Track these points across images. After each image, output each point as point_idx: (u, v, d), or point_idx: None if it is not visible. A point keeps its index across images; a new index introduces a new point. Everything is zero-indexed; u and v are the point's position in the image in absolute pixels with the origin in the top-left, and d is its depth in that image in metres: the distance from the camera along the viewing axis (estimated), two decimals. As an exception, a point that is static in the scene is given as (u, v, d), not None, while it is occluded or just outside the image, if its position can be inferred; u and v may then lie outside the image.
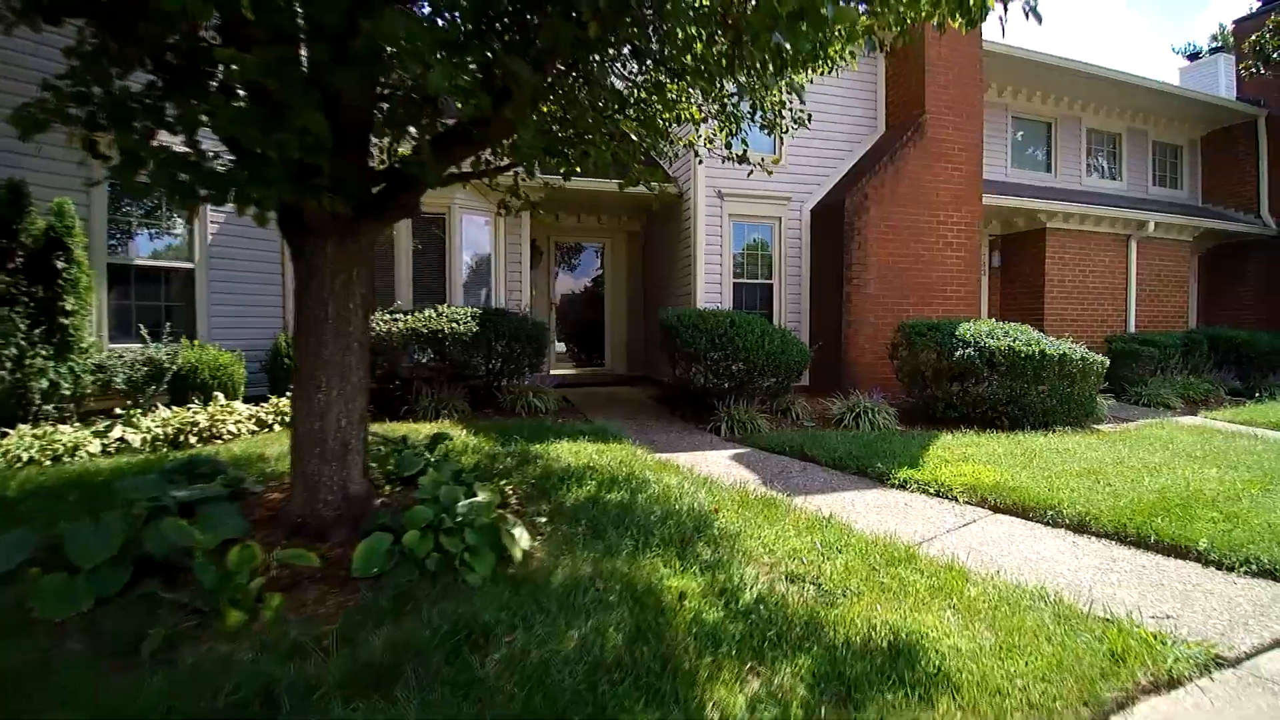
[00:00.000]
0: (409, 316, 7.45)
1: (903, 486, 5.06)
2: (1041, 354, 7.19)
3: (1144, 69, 13.37)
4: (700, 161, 5.04)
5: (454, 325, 7.34)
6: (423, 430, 6.21)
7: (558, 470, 4.61)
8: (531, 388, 7.76)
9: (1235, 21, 17.05)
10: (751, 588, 2.88)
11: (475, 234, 9.30)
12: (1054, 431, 7.19)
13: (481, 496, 3.38)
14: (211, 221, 7.94)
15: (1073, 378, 7.45)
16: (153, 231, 7.84)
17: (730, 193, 9.26)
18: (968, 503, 4.71)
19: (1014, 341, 7.30)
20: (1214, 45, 31.08)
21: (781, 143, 6.97)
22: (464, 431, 6.15)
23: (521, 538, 3.08)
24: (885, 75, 10.30)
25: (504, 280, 9.44)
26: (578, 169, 4.01)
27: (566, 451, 5.30)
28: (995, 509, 4.58)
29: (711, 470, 5.34)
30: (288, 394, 7.01)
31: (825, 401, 8.47)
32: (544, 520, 3.65)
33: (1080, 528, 4.25)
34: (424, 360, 7.57)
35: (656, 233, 11.20)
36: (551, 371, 11.68)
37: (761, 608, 2.69)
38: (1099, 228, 12.54)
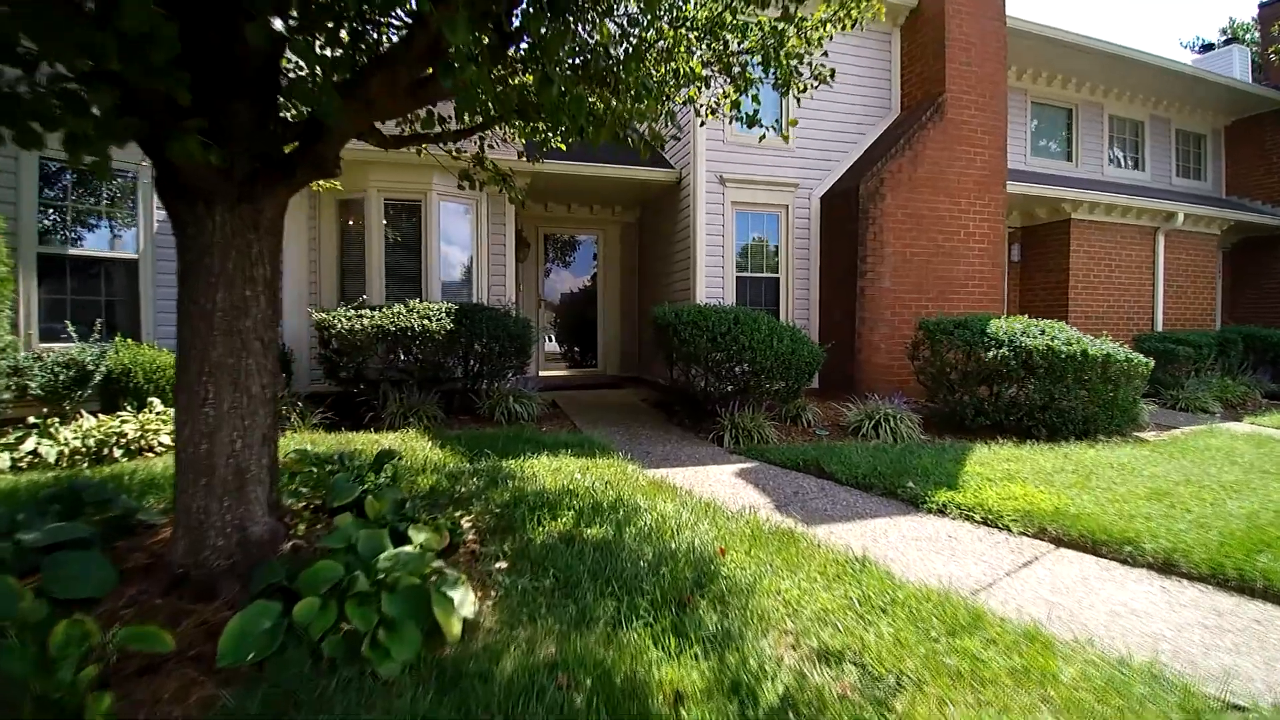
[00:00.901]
0: (375, 313, 6.66)
1: (942, 512, 4.26)
2: (1084, 354, 6.40)
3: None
4: (703, 123, 4.24)
5: (426, 322, 6.55)
6: (383, 441, 5.42)
7: (530, 495, 3.82)
8: (513, 392, 6.97)
9: (1260, 5, 16.29)
10: (774, 678, 2.09)
11: (455, 223, 8.51)
12: (1098, 441, 6.41)
13: (416, 541, 2.59)
14: (158, 206, 7.14)
15: (1116, 381, 6.66)
16: (91, 217, 7.04)
17: (733, 178, 8.47)
18: (1024, 534, 3.92)
19: (1052, 340, 6.51)
20: (1223, 40, 30.40)
21: (798, 103, 6.12)
22: (429, 444, 5.36)
23: (463, 603, 2.28)
24: (900, 53, 9.51)
25: (486, 274, 8.65)
26: (545, 126, 3.21)
27: (544, 469, 4.51)
28: (1058, 542, 3.80)
29: (715, 491, 4.55)
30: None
31: (838, 407, 7.67)
32: (502, 568, 2.85)
33: (1166, 568, 3.47)
34: (394, 361, 6.78)
35: (653, 223, 10.41)
36: (541, 373, 10.90)
37: (791, 716, 1.90)
38: (1125, 219, 11.78)
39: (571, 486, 4.06)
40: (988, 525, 4.07)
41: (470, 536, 3.23)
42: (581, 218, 11.02)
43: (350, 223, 8.27)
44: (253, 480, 2.73)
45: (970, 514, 4.18)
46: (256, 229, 2.68)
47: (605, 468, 4.67)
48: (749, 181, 8.54)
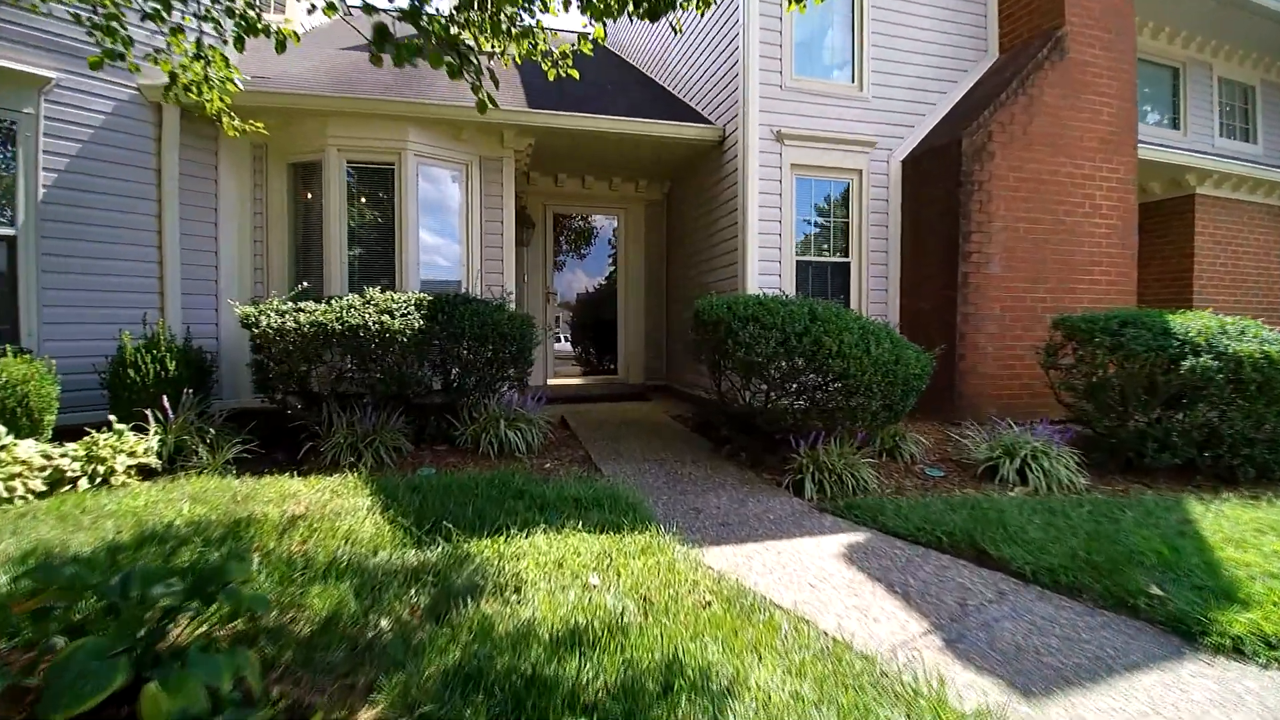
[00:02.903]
0: (321, 306, 4.89)
1: (1238, 649, 2.37)
2: (1314, 364, 4.47)
3: None
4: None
5: (385, 319, 4.77)
6: (302, 495, 3.64)
7: (504, 644, 2.00)
8: (505, 414, 5.14)
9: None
10: None
11: (439, 194, 6.73)
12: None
13: None
14: (47, 159, 5.43)
15: (1346, 400, 4.72)
16: (-46, 181, 5.36)
17: (793, 134, 6.59)
18: None
19: (1264, 344, 4.58)
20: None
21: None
22: (370, 500, 3.55)
23: None
24: (998, -20, 7.57)
25: (479, 259, 6.86)
26: None
27: (536, 567, 2.68)
28: None
29: (825, 600, 2.70)
30: (113, 424, 4.48)
31: (942, 431, 5.79)
32: None
33: None
34: (345, 371, 5.01)
35: (687, 199, 8.56)
36: (549, 380, 9.10)
37: None
38: (1254, 196, 9.74)
39: (583, 617, 2.22)
40: (1355, 693, 2.18)
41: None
42: (598, 194, 9.19)
43: (305, 192, 6.53)
44: None
45: (1309, 665, 2.29)
46: None
47: (639, 557, 2.83)
48: (813, 138, 6.65)
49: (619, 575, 2.61)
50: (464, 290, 6.71)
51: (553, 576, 2.57)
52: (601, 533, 3.12)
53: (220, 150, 6.43)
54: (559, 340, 16.72)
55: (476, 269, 6.85)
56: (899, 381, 4.49)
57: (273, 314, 4.78)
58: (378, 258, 6.53)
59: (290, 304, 4.99)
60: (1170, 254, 9.38)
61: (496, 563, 2.67)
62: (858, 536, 3.47)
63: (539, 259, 9.03)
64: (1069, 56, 6.84)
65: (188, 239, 6.19)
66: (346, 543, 2.87)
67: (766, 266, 6.51)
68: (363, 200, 6.58)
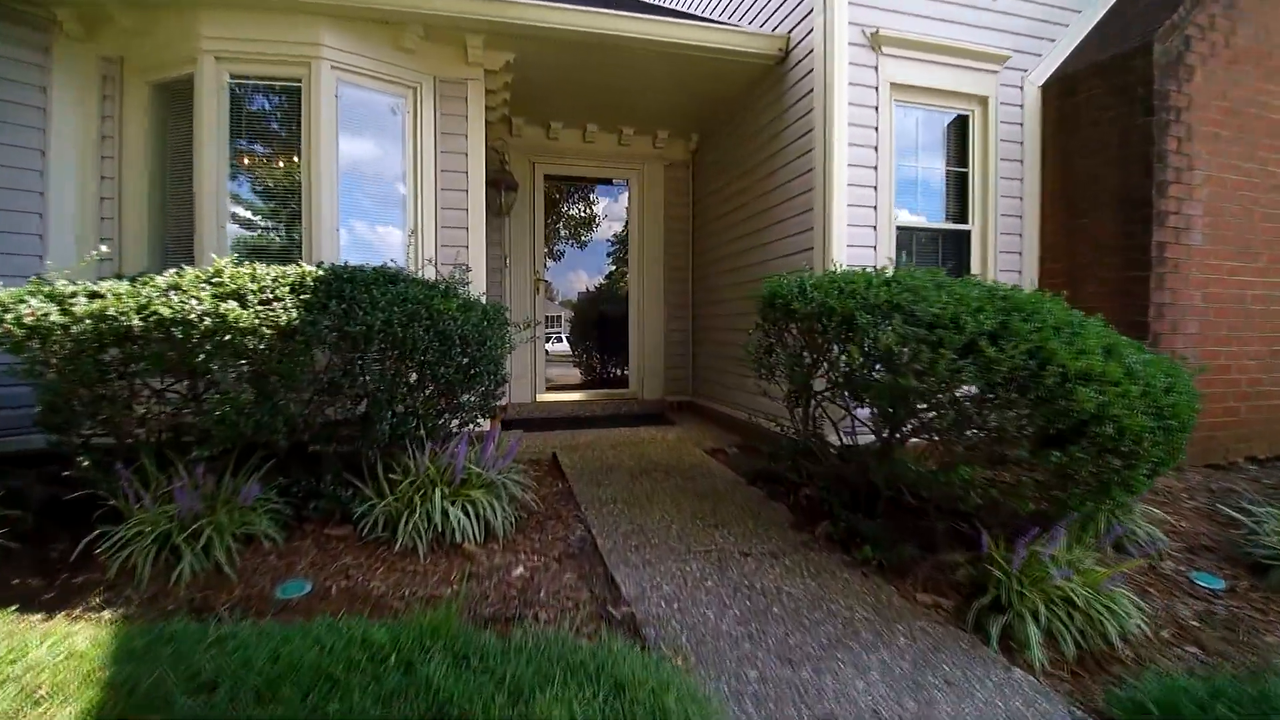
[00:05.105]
0: (126, 288, 2.80)
1: None
2: None
3: None
4: None
5: (229, 308, 2.67)
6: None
7: None
8: (441, 475, 3.02)
9: None
10: None
11: (370, 129, 4.64)
12: None
13: None
14: None
15: None
16: None
17: (895, 38, 4.48)
18: None
19: None
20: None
21: None
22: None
23: None
24: None
25: (432, 226, 4.77)
26: None
27: None
28: None
29: None
30: None
31: (1170, 488, 3.70)
32: None
33: None
34: (186, 403, 2.92)
35: (726, 153, 6.40)
36: (541, 397, 7.01)
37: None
38: None
39: None
40: None
41: None
42: (604, 151, 7.06)
43: (173, 123, 4.44)
44: None
45: None
46: None
47: None
48: (923, 46, 4.54)
49: None
50: (409, 263, 4.63)
51: None
52: None
53: (54, 69, 4.34)
54: (558, 341, 14.54)
55: (429, 232, 4.75)
56: (1176, 426, 2.40)
57: (33, 303, 2.69)
58: (278, 221, 4.45)
59: (84, 284, 2.90)
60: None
61: None
62: None
63: (526, 234, 6.91)
64: (1283, -62, 4.74)
65: (-4, 193, 4.12)
66: None
67: (858, 234, 4.40)
68: (252, 130, 4.48)
